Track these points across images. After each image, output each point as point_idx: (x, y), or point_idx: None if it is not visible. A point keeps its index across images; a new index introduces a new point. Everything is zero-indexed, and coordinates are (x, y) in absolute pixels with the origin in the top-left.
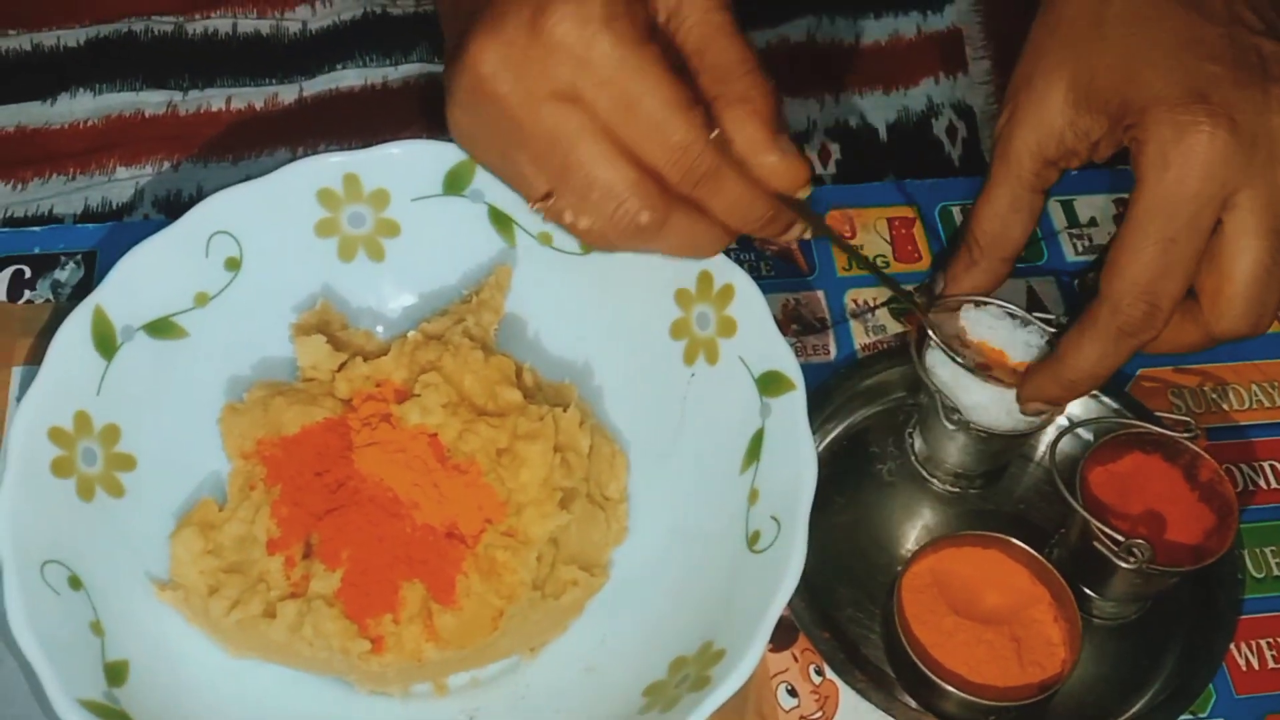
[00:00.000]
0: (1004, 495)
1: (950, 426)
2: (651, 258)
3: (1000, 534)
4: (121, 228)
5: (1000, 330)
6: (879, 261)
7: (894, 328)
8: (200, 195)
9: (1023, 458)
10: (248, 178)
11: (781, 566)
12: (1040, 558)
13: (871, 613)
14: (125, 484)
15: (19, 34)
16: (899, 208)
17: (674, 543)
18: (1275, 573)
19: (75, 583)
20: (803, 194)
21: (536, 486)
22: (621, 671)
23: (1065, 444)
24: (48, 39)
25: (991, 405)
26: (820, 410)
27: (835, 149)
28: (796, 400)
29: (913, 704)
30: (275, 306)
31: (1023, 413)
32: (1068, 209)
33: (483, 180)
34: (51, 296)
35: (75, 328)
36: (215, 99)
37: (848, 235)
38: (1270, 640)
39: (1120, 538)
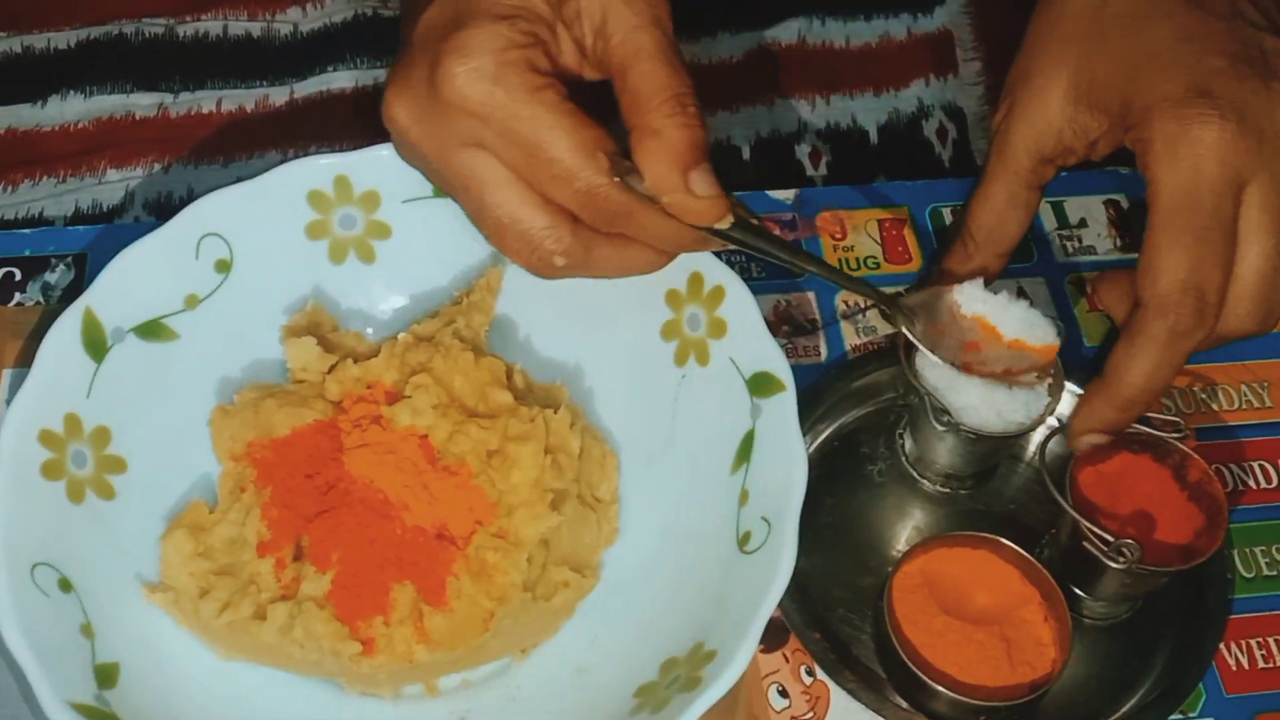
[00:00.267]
0: (994, 496)
1: (940, 428)
2: None
3: (990, 534)
4: (112, 230)
5: (993, 304)
6: (870, 263)
7: (884, 329)
8: (191, 197)
9: (1013, 458)
10: (238, 179)
11: (772, 567)
12: (1030, 558)
13: (862, 613)
14: (116, 486)
15: (9, 36)
16: (889, 209)
17: (665, 544)
18: (1265, 572)
19: (65, 585)
20: (723, 225)
21: (527, 488)
22: (612, 673)
23: (1055, 444)
24: (38, 41)
25: (981, 406)
26: (811, 411)
27: (826, 150)
28: (787, 401)
29: (903, 704)
30: (266, 308)
31: (1075, 448)
32: (1058, 210)
33: None
34: (42, 299)
35: (65, 330)
36: (206, 101)
37: (838, 236)
38: (1260, 640)
39: (1110, 538)
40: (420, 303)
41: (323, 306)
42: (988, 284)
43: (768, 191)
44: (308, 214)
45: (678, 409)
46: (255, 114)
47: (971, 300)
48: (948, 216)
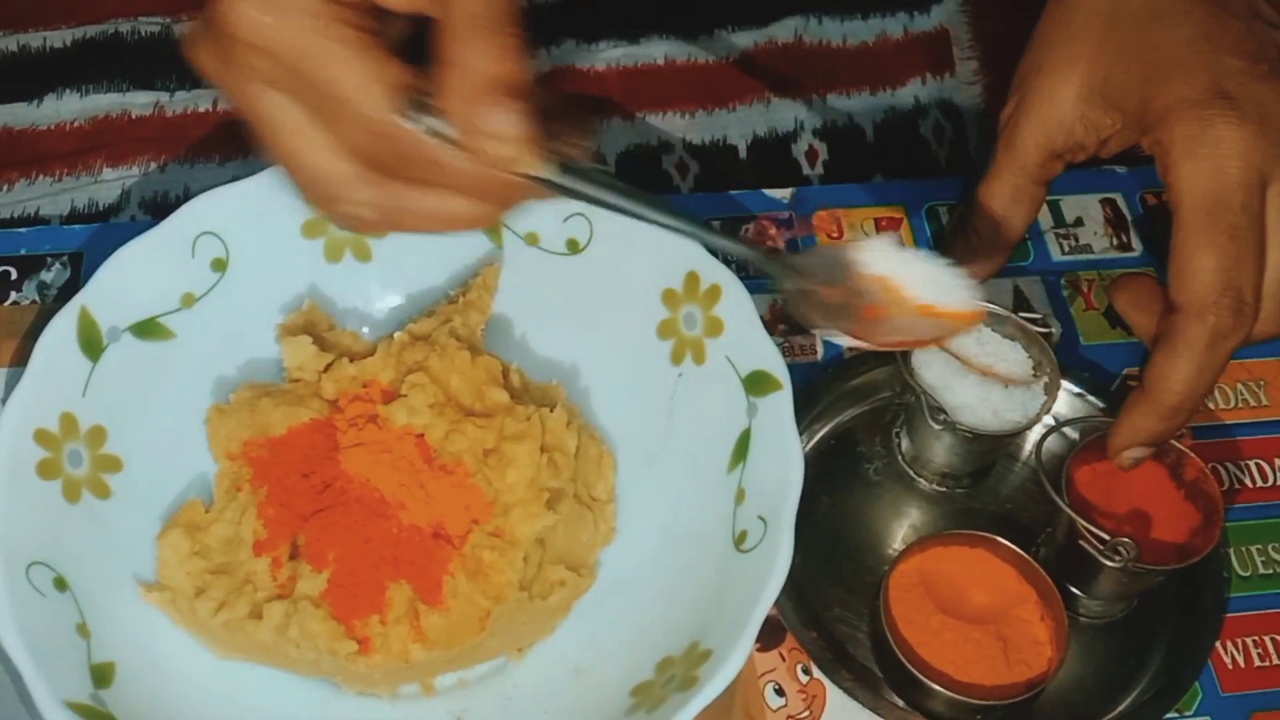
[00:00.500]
0: (990, 494)
1: (936, 426)
2: (638, 259)
3: (987, 533)
4: (108, 229)
5: (901, 262)
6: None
7: None
8: (187, 196)
9: (1009, 457)
10: (235, 178)
11: (768, 566)
12: (1027, 557)
13: (859, 612)
14: (111, 486)
15: (5, 35)
16: (886, 208)
17: (661, 543)
18: (1261, 571)
19: (61, 584)
20: (543, 172)
21: (523, 487)
22: (609, 672)
23: (1051, 443)
24: (34, 40)
25: (977, 405)
26: (807, 410)
27: (822, 149)
28: (783, 400)
29: (900, 703)
30: (262, 307)
31: (1118, 465)
32: (1054, 209)
33: None
34: (38, 298)
35: (61, 329)
36: (202, 100)
37: (835, 235)
38: (1256, 638)
39: (1106, 536)
40: (416, 302)
41: (319, 305)
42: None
43: (764, 190)
44: (304, 212)
45: (674, 408)
46: None
47: (876, 257)
48: (944, 215)
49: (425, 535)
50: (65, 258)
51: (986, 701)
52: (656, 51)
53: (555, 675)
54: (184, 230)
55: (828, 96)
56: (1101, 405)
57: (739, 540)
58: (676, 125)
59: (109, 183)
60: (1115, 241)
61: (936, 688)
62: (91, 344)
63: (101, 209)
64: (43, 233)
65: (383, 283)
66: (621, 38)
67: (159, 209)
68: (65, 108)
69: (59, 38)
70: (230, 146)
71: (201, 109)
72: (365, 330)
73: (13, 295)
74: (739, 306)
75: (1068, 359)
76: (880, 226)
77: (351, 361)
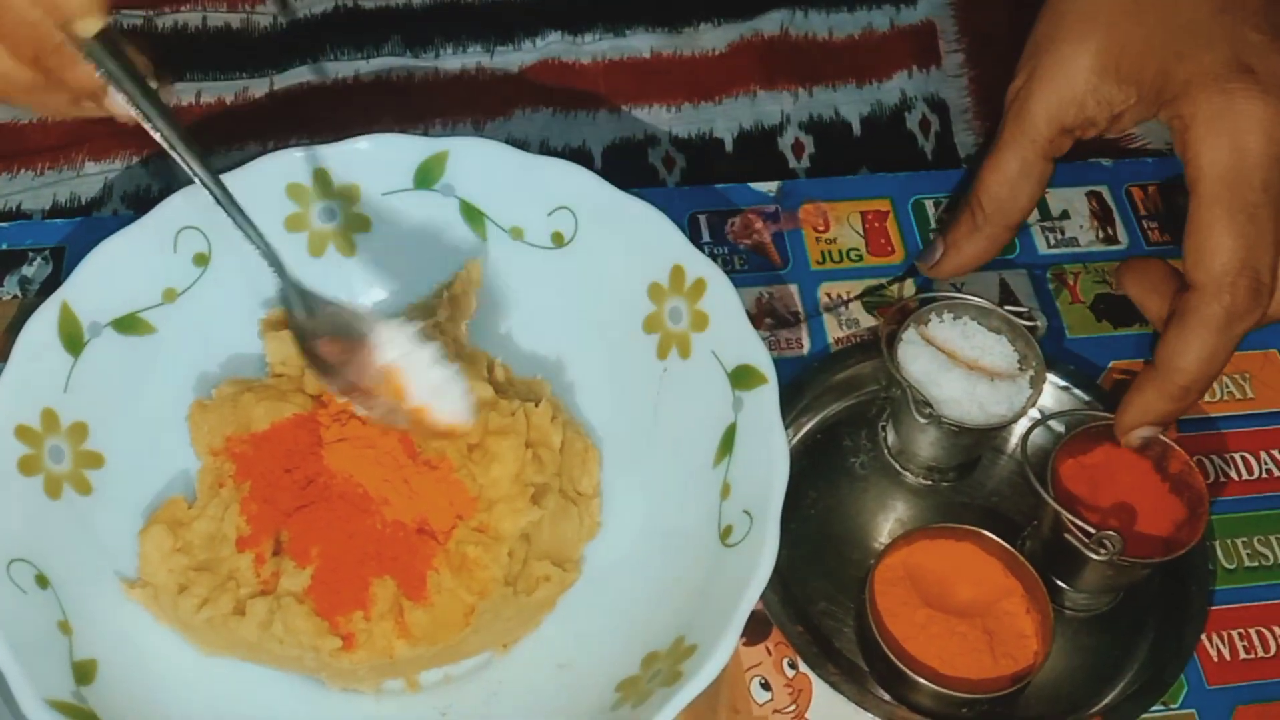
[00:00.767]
0: (976, 488)
1: (922, 420)
2: (624, 253)
3: (972, 527)
4: (90, 223)
5: (414, 358)
6: (852, 255)
7: (867, 321)
8: (169, 190)
9: (995, 450)
10: (217, 173)
11: (754, 560)
12: (1012, 550)
13: (844, 606)
14: (93, 482)
15: None
16: (872, 201)
17: (646, 538)
18: (1246, 564)
19: (42, 581)
20: (86, 30)
21: (508, 482)
22: (594, 667)
23: (1037, 436)
24: None
25: (963, 399)
26: (793, 404)
27: (809, 142)
28: (769, 394)
29: (886, 697)
30: (244, 302)
31: (1126, 445)
32: (1040, 202)
33: (454, 174)
34: (19, 292)
35: (42, 324)
36: (185, 93)
37: (821, 228)
38: (1241, 631)
39: (1091, 530)
40: (400, 296)
41: None
42: (965, 288)
43: (750, 183)
44: (287, 207)
45: (660, 402)
46: (234, 106)
47: (394, 343)
48: (930, 208)
49: (409, 531)
50: (47, 252)
51: (972, 695)
52: (642, 45)
53: (540, 670)
54: (166, 225)
55: (814, 90)
56: (1087, 399)
57: (724, 535)
58: (662, 119)
59: (91, 177)
60: (1101, 234)
61: (922, 681)
62: (73, 339)
63: (83, 203)
64: (24, 227)
65: (366, 277)
66: (607, 31)
67: (141, 203)
68: None
69: None
70: (213, 140)
71: (184, 102)
72: None
73: None
74: (725, 301)
75: (1053, 352)
76: (866, 220)
77: None
